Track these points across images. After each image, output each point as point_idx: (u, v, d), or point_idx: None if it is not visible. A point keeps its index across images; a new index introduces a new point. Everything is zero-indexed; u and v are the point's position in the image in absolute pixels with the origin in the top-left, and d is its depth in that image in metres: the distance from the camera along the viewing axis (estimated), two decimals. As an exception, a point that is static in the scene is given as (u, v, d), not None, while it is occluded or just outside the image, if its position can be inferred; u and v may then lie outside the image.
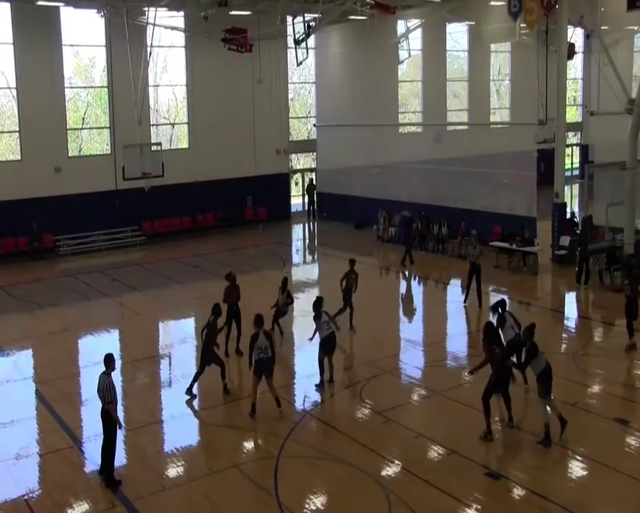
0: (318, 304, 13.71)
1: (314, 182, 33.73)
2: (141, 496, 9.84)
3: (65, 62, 26.81)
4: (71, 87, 27.96)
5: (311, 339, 13.78)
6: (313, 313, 13.57)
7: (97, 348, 16.69)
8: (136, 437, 11.72)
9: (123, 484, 10.09)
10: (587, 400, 12.72)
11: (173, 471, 10.61)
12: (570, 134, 39.99)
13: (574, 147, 42.07)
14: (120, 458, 10.90)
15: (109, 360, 10.31)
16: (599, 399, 12.83)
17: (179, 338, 17.19)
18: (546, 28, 23.77)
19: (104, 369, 10.25)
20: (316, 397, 13.37)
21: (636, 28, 23.48)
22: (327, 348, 13.34)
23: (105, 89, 28.01)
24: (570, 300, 20.04)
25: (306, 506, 9.56)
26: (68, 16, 26.26)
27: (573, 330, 17.40)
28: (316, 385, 13.32)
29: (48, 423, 12.36)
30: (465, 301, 18.63)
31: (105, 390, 10.00)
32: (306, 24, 24.42)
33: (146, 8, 25.43)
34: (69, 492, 10.03)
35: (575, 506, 9.33)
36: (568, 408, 12.30)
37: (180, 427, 12.13)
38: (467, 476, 10.21)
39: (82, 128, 28.93)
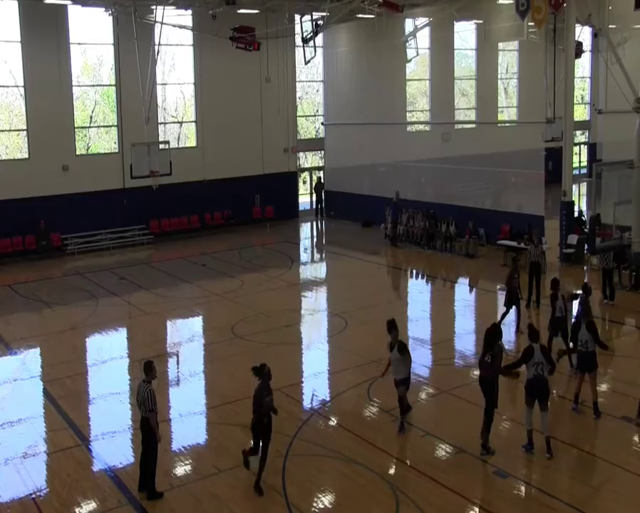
0: (393, 326, 11.47)
1: (322, 181, 33.72)
2: (143, 496, 9.83)
3: (72, 60, 26.85)
4: (79, 86, 28.00)
5: (382, 375, 11.89)
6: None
7: (105, 346, 16.81)
8: (143, 435, 11.74)
9: (130, 482, 10.10)
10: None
11: (181, 470, 10.63)
12: (578, 132, 39.86)
13: (582, 146, 41.93)
14: (127, 456, 10.94)
15: (149, 367, 9.85)
16: (607, 397, 12.75)
17: (187, 337, 17.22)
18: (554, 26, 23.65)
19: (144, 377, 9.84)
20: (324, 395, 13.38)
21: (644, 26, 23.49)
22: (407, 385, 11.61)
23: (113, 87, 28.08)
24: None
25: (314, 504, 9.56)
26: (76, 14, 26.30)
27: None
28: (399, 429, 11.55)
29: (56, 422, 12.38)
30: (527, 304, 17.52)
31: (146, 398, 9.63)
32: (314, 23, 24.41)
33: (154, 7, 25.46)
34: (76, 491, 10.05)
35: (583, 505, 9.30)
36: (578, 407, 12.28)
37: (188, 426, 12.14)
38: (475, 474, 10.21)
39: (89, 127, 29.00)
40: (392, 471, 10.38)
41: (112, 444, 11.49)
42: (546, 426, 10.67)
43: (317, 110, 35.54)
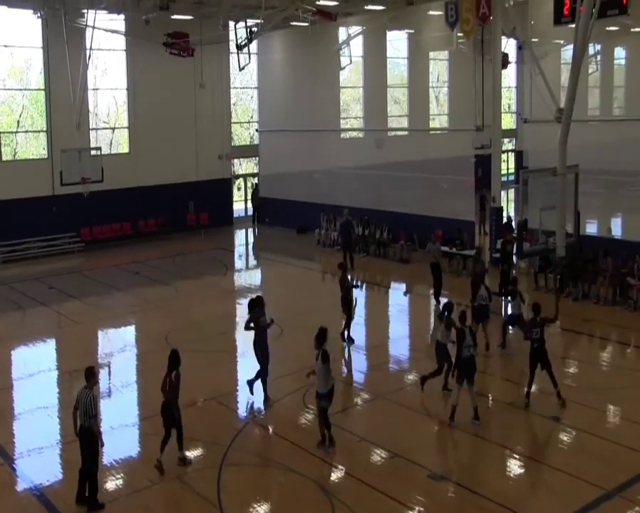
0: (323, 337, 11.24)
1: (259, 188, 33.65)
2: (78, 511, 9.59)
3: (-1, 63, 26.10)
4: (5, 90, 27.19)
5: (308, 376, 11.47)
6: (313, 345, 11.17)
7: (32, 359, 16.29)
8: (72, 450, 11.29)
9: (58, 500, 9.81)
10: (524, 399, 13.05)
11: (112, 484, 10.38)
12: (506, 140, 40.96)
13: (510, 153, 43.13)
14: (55, 472, 10.63)
15: (90, 373, 9.77)
16: (534, 398, 13.17)
17: (118, 347, 16.87)
18: (482, 37, 24.37)
19: (85, 384, 9.71)
20: (259, 404, 13.33)
21: (562, 41, 24.51)
22: (331, 398, 11.22)
23: (42, 92, 27.33)
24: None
25: (249, 514, 9.52)
26: (2, 15, 25.48)
27: (510, 331, 17.79)
28: (326, 449, 11.09)
29: (-21, 439, 11.92)
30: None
31: (88, 404, 9.47)
32: (248, 29, 24.38)
33: (85, 11, 24.91)
34: None
35: (513, 504, 9.55)
36: (507, 408, 12.64)
37: (120, 439, 11.87)
38: (409, 478, 10.36)
39: (17, 131, 28.16)
40: (328, 478, 10.43)
41: (39, 461, 11.15)
42: (474, 397, 11.94)
43: (251, 117, 35.48)
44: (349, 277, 16.92)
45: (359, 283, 17.46)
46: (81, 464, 9.71)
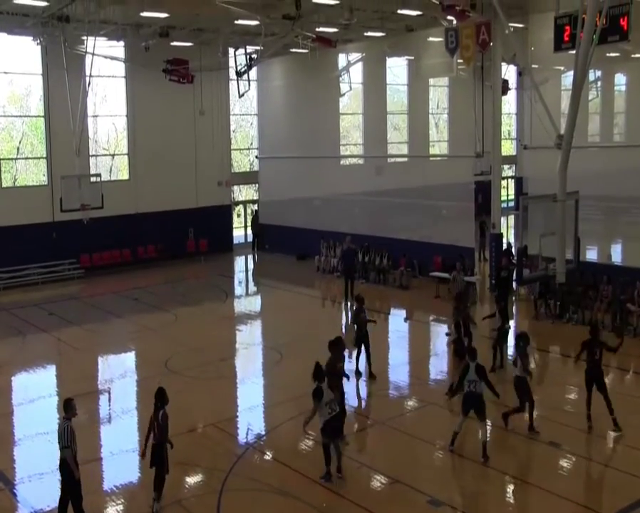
0: (318, 373, 10.98)
1: (258, 214, 33.73)
2: (76, 537, 9.50)
3: (-1, 90, 26.29)
4: (5, 116, 27.37)
5: (306, 424, 11.05)
6: (309, 379, 10.87)
7: (32, 384, 16.22)
8: (73, 476, 11.34)
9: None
10: (523, 425, 12.95)
11: (112, 510, 10.31)
12: (505, 167, 41.14)
13: (510, 180, 43.28)
14: (56, 498, 10.49)
15: (68, 405, 9.57)
16: (534, 422, 13.07)
17: (118, 373, 16.80)
18: (482, 64, 24.57)
19: (64, 414, 9.57)
20: (259, 429, 13.25)
21: (562, 68, 24.74)
22: (329, 433, 10.87)
23: (42, 118, 27.49)
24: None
25: (249, 541, 9.42)
26: (2, 42, 25.68)
27: (509, 358, 17.73)
28: (322, 478, 10.83)
29: (-22, 464, 11.84)
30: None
31: (62, 434, 9.29)
32: (248, 56, 24.61)
33: (85, 37, 25.13)
34: (1, 536, 9.63)
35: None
36: (506, 433, 12.55)
37: (120, 464, 11.82)
38: (409, 504, 10.26)
39: (16, 158, 28.29)
40: (328, 504, 10.32)
41: (39, 486, 11.08)
42: (484, 434, 11.50)
43: (251, 143, 35.67)
44: (365, 310, 16.36)
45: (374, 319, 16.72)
46: (60, 495, 9.56)
